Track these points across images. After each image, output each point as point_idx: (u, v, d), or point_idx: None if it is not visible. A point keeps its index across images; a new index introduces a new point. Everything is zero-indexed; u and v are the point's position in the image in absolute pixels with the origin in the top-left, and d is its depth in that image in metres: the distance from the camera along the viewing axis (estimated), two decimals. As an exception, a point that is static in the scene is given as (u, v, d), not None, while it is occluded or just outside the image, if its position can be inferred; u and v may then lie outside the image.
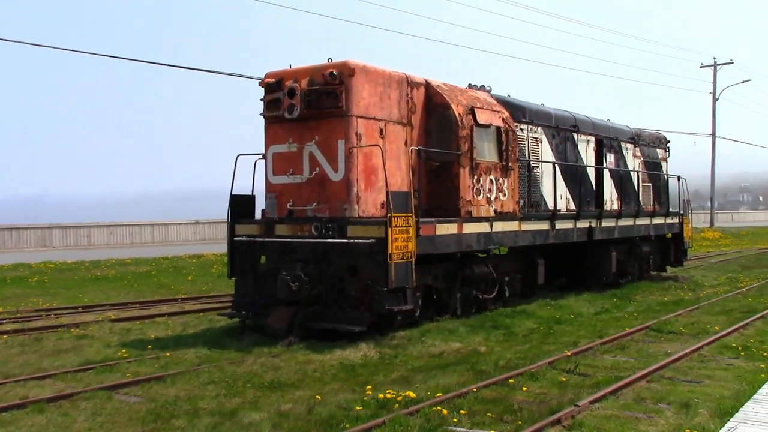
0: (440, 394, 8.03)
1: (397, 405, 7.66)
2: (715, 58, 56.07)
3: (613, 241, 18.91)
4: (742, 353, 10.60)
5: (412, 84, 13.31)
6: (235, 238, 13.16)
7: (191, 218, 41.84)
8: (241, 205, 13.54)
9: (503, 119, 14.60)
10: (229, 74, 22.17)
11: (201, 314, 15.20)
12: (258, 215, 13.58)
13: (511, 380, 8.83)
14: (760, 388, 8.21)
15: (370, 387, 8.56)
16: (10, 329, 13.44)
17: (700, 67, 56.64)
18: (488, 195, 14.02)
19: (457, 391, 8.19)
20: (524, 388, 8.57)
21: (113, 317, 14.74)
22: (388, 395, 7.92)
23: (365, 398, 8.05)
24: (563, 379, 9.07)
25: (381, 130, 12.58)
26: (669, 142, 23.48)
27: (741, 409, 7.34)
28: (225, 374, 9.56)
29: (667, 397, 8.15)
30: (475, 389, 8.28)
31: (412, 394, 7.93)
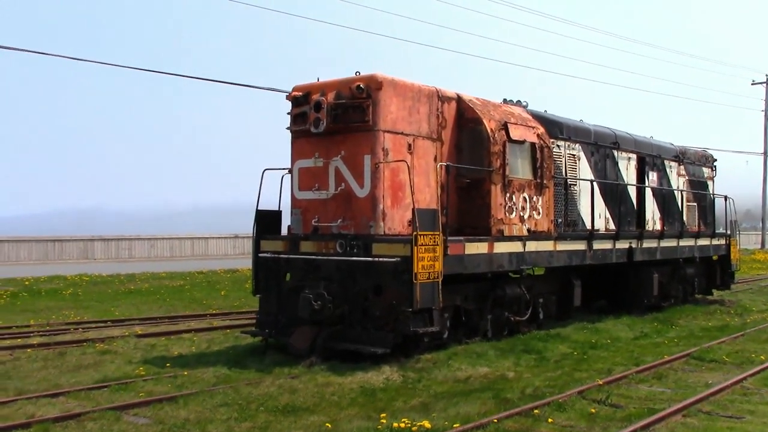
0: (458, 424, 7.59)
1: (410, 436, 7.26)
2: (767, 75, 54.52)
3: (655, 262, 18.19)
4: (789, 386, 9.92)
5: (442, 98, 12.94)
6: (260, 255, 12.91)
7: (231, 232, 41.99)
8: (267, 221, 13.28)
9: (538, 135, 14.12)
10: (266, 89, 22.08)
11: (228, 331, 14.98)
12: (285, 231, 13.32)
13: (536, 411, 8.33)
14: (806, 426, 7.59)
15: (386, 414, 8.15)
16: (35, 342, 13.39)
17: (752, 84, 55.14)
18: (521, 213, 13.54)
19: (477, 421, 7.74)
20: (550, 420, 8.08)
21: (140, 332, 14.62)
22: (402, 425, 7.50)
23: (379, 426, 7.65)
24: (593, 410, 8.54)
25: (409, 145, 12.22)
26: (716, 160, 22.65)
27: (784, 450, 6.76)
28: (240, 396, 9.26)
29: (703, 434, 7.58)
30: (496, 420, 7.82)
31: (427, 424, 7.50)
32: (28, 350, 12.60)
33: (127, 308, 18.91)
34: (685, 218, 20.07)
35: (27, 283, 23.29)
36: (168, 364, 11.23)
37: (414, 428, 7.42)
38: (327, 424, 7.85)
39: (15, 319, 16.63)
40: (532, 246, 13.72)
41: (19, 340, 13.92)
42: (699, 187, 21.35)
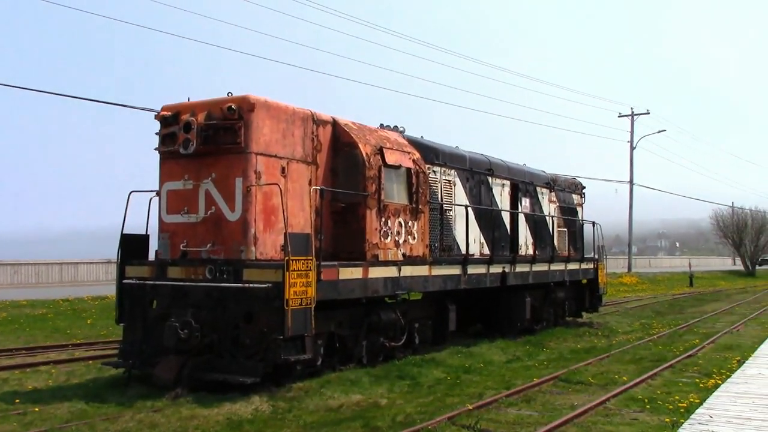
0: (322, 457, 7.35)
1: (272, 471, 6.95)
2: (632, 108, 57.79)
3: (527, 286, 18.67)
4: (648, 406, 10.27)
5: (318, 121, 12.81)
6: (124, 281, 12.27)
7: (104, 257, 40.10)
8: (133, 245, 12.66)
9: (414, 160, 14.22)
10: (134, 107, 21.27)
11: (90, 362, 14.13)
12: (153, 256, 12.73)
13: (405, 439, 8.21)
14: (662, 446, 7.83)
15: (249, 448, 7.81)
16: None
17: (619, 116, 58.25)
18: (396, 238, 13.53)
19: (343, 452, 7.52)
20: (418, 448, 7.97)
21: (-9, 365, 13.54)
22: (265, 459, 7.18)
23: (240, 462, 7.30)
24: (461, 436, 8.51)
25: (283, 168, 11.98)
26: (584, 187, 23.64)
27: (641, 470, 6.91)
28: (94, 433, 8.66)
29: (566, 457, 7.67)
30: (363, 450, 7.63)
31: (290, 458, 7.21)
32: None
33: (-20, 339, 17.54)
34: (556, 243, 20.76)
35: None
36: (17, 400, 10.40)
37: (277, 462, 7.11)
38: (184, 462, 7.41)
39: None
40: (408, 271, 13.73)
41: None
42: (569, 213, 22.18)
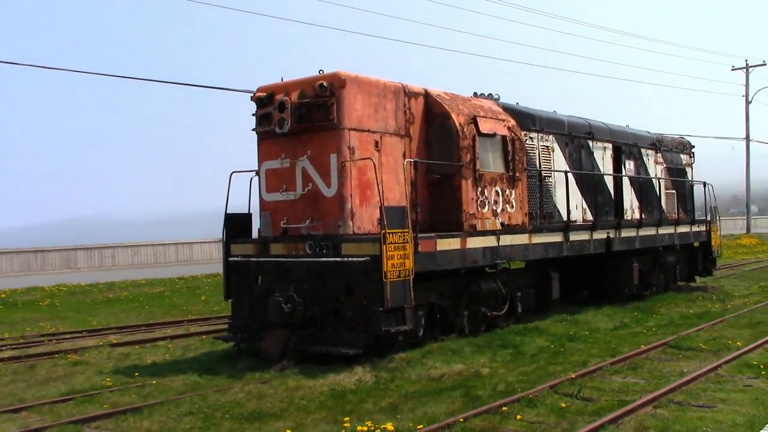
0: (422, 425, 7.44)
1: (373, 439, 7.11)
2: (747, 60, 54.66)
3: (634, 251, 18.10)
4: (764, 372, 9.82)
5: (409, 94, 12.79)
6: (230, 259, 12.73)
7: (216, 237, 41.67)
8: (236, 224, 13.10)
9: (509, 128, 13.99)
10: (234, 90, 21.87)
11: (204, 337, 14.79)
12: (255, 234, 13.15)
13: (505, 408, 8.18)
14: (776, 413, 7.48)
15: (351, 417, 8.00)
16: (6, 356, 13.15)
17: (732, 69, 55.22)
18: (494, 207, 13.40)
19: (443, 421, 7.58)
20: (518, 417, 7.94)
21: (115, 341, 14.42)
22: (365, 428, 7.35)
23: (342, 431, 7.49)
24: (563, 405, 8.41)
25: (376, 143, 12.06)
26: (693, 147, 22.59)
27: (752, 439, 6.65)
28: (207, 404, 9.08)
29: (672, 426, 7.45)
30: (462, 419, 7.67)
31: (390, 427, 7.34)
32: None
33: (105, 317, 18.67)
34: (664, 206, 20.00)
35: (3, 295, 22.97)
36: (137, 374, 11.04)
37: (377, 431, 7.27)
38: (288, 431, 7.68)
39: (-12, 333, 16.37)
40: (507, 240, 13.59)
41: (-10, 354, 13.69)
42: (677, 175, 21.29)
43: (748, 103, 54.11)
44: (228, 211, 13.01)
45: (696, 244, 21.52)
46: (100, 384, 10.51)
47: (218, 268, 31.33)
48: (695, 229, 21.15)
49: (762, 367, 10.12)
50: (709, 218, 21.94)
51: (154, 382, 10.41)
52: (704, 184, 21.64)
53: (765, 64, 54.40)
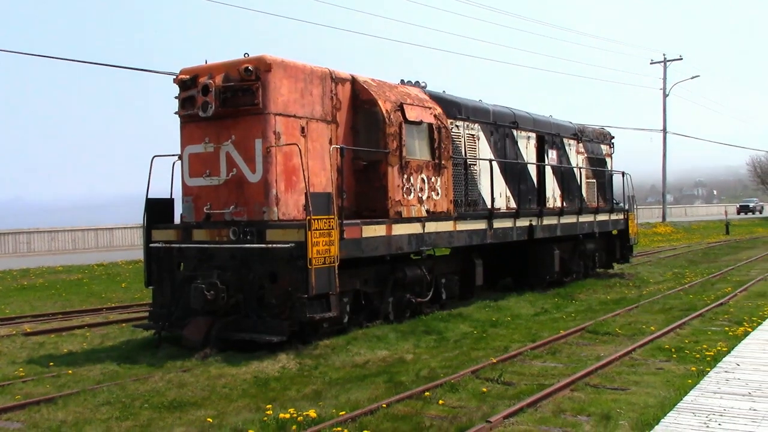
0: (344, 412, 7.44)
1: (295, 426, 7.06)
2: (665, 55, 56.41)
3: (556, 239, 18.54)
4: (675, 355, 10.21)
5: (336, 79, 12.71)
6: (151, 245, 12.43)
7: (138, 222, 40.65)
8: (158, 210, 12.80)
9: (435, 116, 14.08)
10: (157, 72, 21.27)
11: (123, 325, 14.41)
12: (178, 220, 12.87)
13: (427, 393, 8.26)
14: (685, 395, 7.78)
15: (273, 405, 7.94)
16: None
17: (650, 63, 56.95)
18: (420, 194, 13.48)
19: (366, 407, 7.60)
20: (441, 401, 8.03)
21: (29, 330, 13.91)
22: (288, 415, 7.30)
23: (264, 418, 7.43)
24: (485, 389, 8.55)
25: (302, 128, 11.95)
26: (613, 137, 23.25)
27: (663, 419, 6.90)
28: (125, 393, 8.86)
29: (588, 408, 7.67)
30: (385, 405, 7.70)
31: (313, 414, 7.31)
32: None
33: (19, 305, 17.97)
34: (584, 194, 20.53)
35: None
36: (51, 363, 10.68)
37: (299, 418, 7.22)
38: (209, 419, 7.57)
39: None
40: (432, 227, 13.71)
41: None
42: (598, 164, 21.86)
43: (665, 96, 55.96)
44: (149, 196, 12.70)
45: (614, 232, 22.18)
46: (12, 374, 10.12)
47: (139, 255, 30.54)
48: (614, 217, 21.80)
49: (673, 350, 10.52)
50: (627, 207, 22.64)
51: (70, 371, 10.09)
52: (623, 173, 22.31)
53: (681, 59, 56.34)
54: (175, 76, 12.26)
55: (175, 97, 12.21)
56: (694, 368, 9.31)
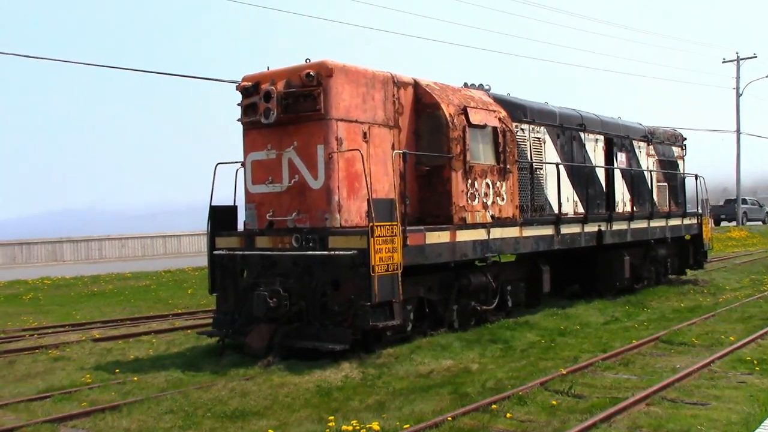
0: (408, 425, 7.21)
1: (358, 439, 6.88)
2: (737, 53, 54.52)
3: (626, 244, 17.93)
4: (757, 368, 9.64)
5: (398, 84, 12.52)
6: (215, 252, 12.47)
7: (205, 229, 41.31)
8: (222, 217, 12.84)
9: (500, 119, 13.75)
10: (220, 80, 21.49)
11: (189, 331, 14.51)
12: (241, 227, 12.89)
13: (494, 405, 7.97)
14: (772, 411, 7.30)
15: (335, 416, 7.77)
16: (-15, 352, 12.86)
17: (723, 62, 55.13)
18: (484, 200, 13.17)
19: (430, 420, 7.37)
20: (508, 415, 7.73)
21: (98, 336, 14.13)
22: (350, 427, 7.12)
23: (327, 430, 7.26)
24: (554, 402, 8.21)
25: (364, 134, 11.80)
26: (685, 139, 22.43)
27: (748, 438, 6.46)
28: (188, 401, 8.83)
29: (666, 424, 7.25)
30: (450, 418, 7.45)
31: (376, 426, 7.12)
32: (-24, 360, 12.08)
33: (90, 311, 18.38)
34: (655, 198, 19.83)
35: (-14, 289, 22.64)
36: (117, 370, 10.77)
37: (363, 430, 7.04)
38: (270, 430, 7.44)
39: (-32, 327, 16.05)
40: (497, 233, 13.38)
41: (-31, 349, 13.39)
42: (669, 167, 21.12)
43: (738, 95, 54.05)
44: (213, 204, 12.76)
45: (687, 237, 21.38)
46: (79, 381, 10.23)
47: (206, 261, 31.09)
48: (687, 221, 21.01)
49: (755, 362, 9.95)
50: (700, 211, 21.80)
51: (135, 378, 10.15)
52: (696, 176, 21.50)
53: (755, 57, 54.35)
54: (237, 84, 12.27)
55: (238, 104, 12.22)
56: (779, 382, 8.77)
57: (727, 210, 56.22)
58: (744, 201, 56.56)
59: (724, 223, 54.27)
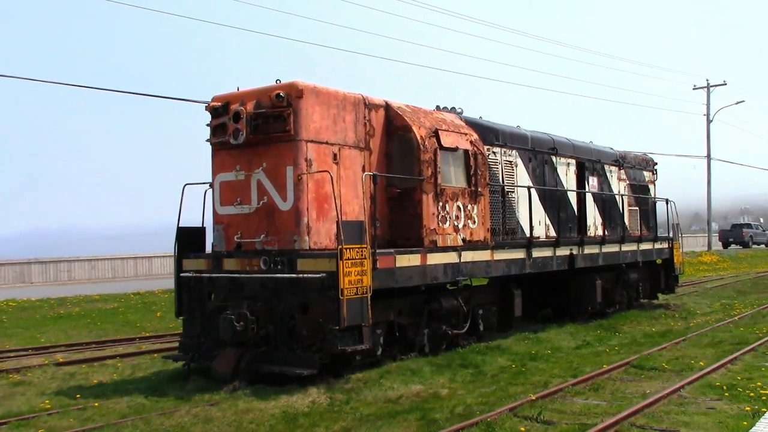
0: (373, 453, 7.06)
1: (321, 468, 6.69)
2: (708, 80, 55.45)
3: (597, 268, 17.95)
4: (727, 393, 9.60)
5: (370, 106, 12.47)
6: (182, 274, 12.25)
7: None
8: (189, 238, 12.64)
9: (471, 142, 13.74)
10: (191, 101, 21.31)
11: (155, 355, 14.22)
12: (209, 248, 12.69)
13: (462, 432, 7.84)
14: (741, 438, 7.24)
15: (299, 444, 7.59)
16: (-58, 376, 12.46)
17: (693, 88, 55.99)
18: (456, 223, 13.11)
19: (396, 448, 7.21)
20: (476, 442, 7.59)
21: (61, 360, 13.79)
22: (314, 456, 6.93)
23: (290, 459, 7.07)
24: (522, 429, 8.09)
25: (335, 155, 11.71)
26: (656, 164, 22.63)
27: (717, 466, 6.37)
28: (149, 428, 8.60)
29: (634, 451, 7.17)
30: (416, 445, 7.30)
31: (340, 454, 6.94)
32: (-68, 385, 11.70)
33: (55, 334, 17.95)
34: (627, 222, 19.93)
35: (-51, 311, 22.06)
36: (78, 396, 10.47)
37: (326, 459, 6.86)
38: (231, 459, 7.23)
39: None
40: (468, 256, 13.30)
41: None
42: (640, 191, 21.26)
43: (709, 121, 54.86)
44: (181, 225, 12.56)
45: (658, 261, 21.48)
46: (38, 406, 9.94)
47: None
48: (658, 246, 21.11)
49: (725, 387, 9.92)
50: (671, 235, 21.94)
51: (96, 404, 9.87)
52: (666, 201, 21.67)
53: (725, 84, 55.28)
54: (207, 104, 12.14)
55: (207, 125, 12.08)
56: (748, 408, 8.72)
57: (735, 234, 61.16)
58: (749, 225, 61.28)
59: (732, 246, 56.88)
